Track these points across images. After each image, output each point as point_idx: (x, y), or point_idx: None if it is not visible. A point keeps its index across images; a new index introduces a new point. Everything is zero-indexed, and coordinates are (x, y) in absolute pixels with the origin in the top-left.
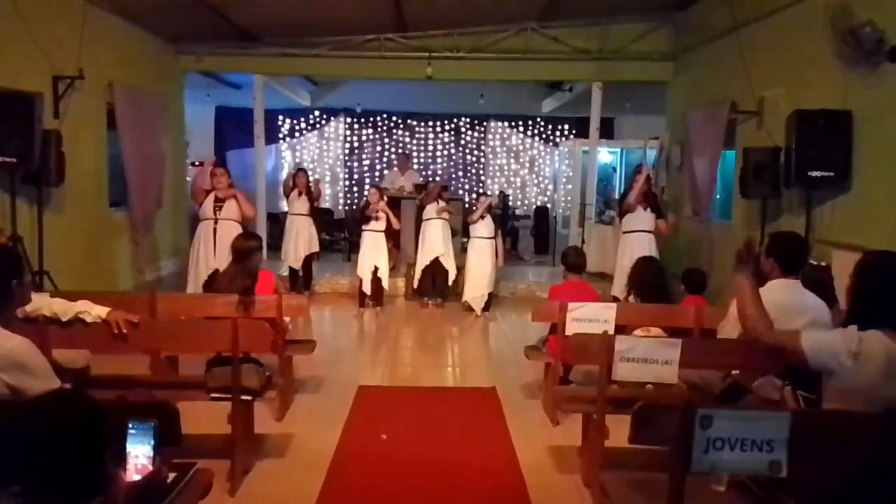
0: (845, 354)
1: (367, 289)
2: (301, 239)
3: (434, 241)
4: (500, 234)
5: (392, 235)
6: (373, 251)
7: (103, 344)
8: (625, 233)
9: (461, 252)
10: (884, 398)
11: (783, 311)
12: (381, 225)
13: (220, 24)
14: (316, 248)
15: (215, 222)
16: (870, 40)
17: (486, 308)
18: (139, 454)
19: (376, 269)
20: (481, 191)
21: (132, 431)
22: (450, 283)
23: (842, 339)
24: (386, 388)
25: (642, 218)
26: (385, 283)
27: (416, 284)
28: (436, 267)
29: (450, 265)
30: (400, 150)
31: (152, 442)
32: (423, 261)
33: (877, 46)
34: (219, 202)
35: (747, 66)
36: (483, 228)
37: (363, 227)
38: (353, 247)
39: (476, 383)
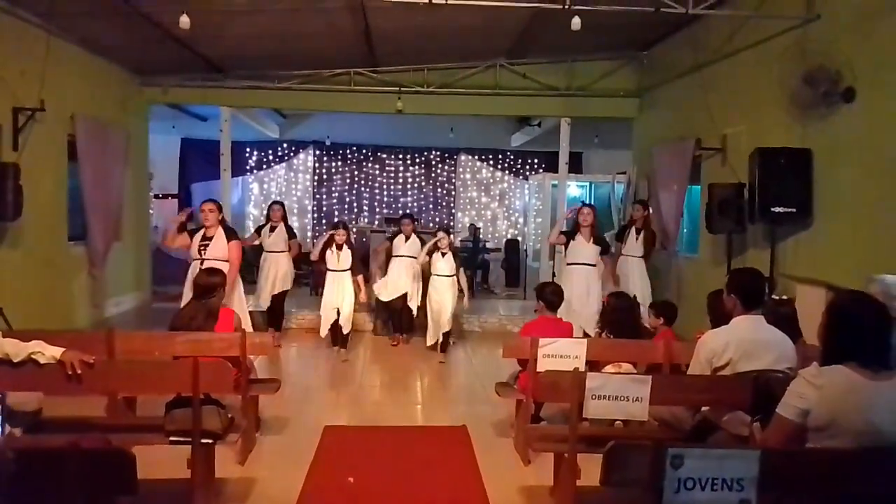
0: (808, 387)
1: (323, 333)
2: (278, 276)
3: (399, 278)
4: (461, 272)
5: (356, 270)
6: (336, 292)
7: (57, 385)
8: (568, 264)
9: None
10: (853, 434)
11: (749, 348)
12: (346, 263)
13: (186, 56)
14: (288, 286)
15: (201, 263)
16: (826, 82)
17: (442, 349)
18: None
19: (339, 311)
20: (445, 225)
21: None
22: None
23: (799, 380)
24: (353, 429)
25: (586, 250)
26: (346, 328)
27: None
28: (403, 303)
29: (413, 304)
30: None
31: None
32: (388, 295)
33: (833, 87)
34: (205, 240)
35: (710, 103)
36: (444, 266)
37: (328, 268)
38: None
39: (446, 422)
